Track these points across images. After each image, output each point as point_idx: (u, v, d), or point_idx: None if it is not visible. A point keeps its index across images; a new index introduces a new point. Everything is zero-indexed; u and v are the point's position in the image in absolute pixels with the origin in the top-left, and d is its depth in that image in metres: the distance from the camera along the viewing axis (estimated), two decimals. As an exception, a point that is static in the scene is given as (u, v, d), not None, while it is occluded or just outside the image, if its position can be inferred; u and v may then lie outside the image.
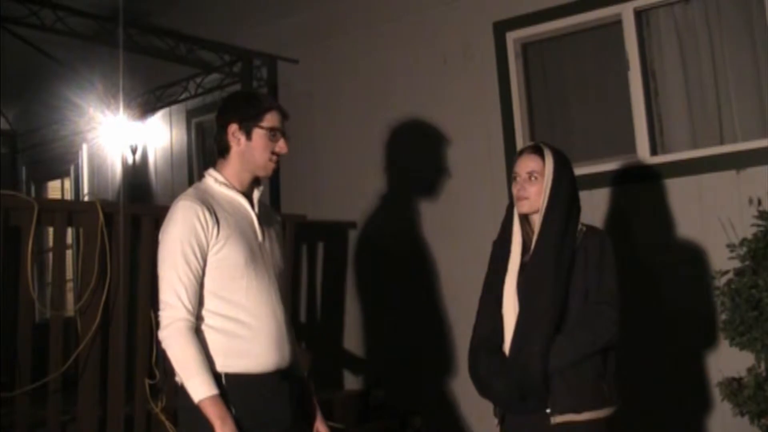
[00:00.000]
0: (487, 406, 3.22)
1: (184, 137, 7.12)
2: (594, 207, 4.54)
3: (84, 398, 3.61)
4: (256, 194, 2.83)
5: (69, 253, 4.49)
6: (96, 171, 8.19)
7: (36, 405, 3.54)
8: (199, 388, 2.53)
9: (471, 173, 5.15)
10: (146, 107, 7.14)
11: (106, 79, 6.61)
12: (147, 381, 3.81)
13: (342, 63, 5.78)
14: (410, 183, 5.38)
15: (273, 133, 2.78)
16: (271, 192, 5.78)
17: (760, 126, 4.41)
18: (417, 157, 5.36)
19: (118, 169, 7.72)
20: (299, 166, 5.67)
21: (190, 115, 7.06)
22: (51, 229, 4.01)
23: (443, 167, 5.24)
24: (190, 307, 2.59)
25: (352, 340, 5.57)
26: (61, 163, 8.68)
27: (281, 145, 2.79)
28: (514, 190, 3.12)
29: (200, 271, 2.62)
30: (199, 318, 2.62)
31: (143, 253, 3.95)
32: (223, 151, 2.79)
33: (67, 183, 8.93)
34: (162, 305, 2.60)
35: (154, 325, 3.78)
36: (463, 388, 4.15)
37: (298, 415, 2.78)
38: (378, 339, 5.44)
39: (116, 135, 7.36)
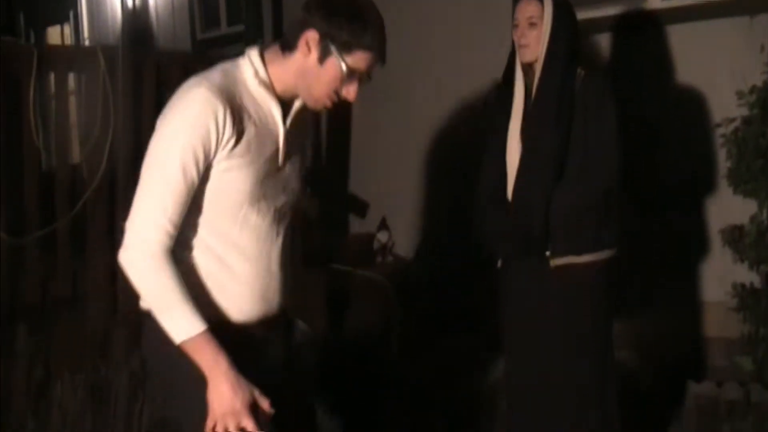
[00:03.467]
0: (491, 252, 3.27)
1: (185, -20, 6.95)
2: (597, 52, 4.46)
3: (93, 245, 3.67)
4: (296, 104, 2.17)
5: (72, 99, 4.45)
6: (95, 16, 8.04)
7: (46, 254, 3.60)
8: (185, 324, 1.97)
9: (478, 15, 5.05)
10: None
11: None
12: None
13: None
14: (415, 21, 5.26)
15: (353, 74, 2.09)
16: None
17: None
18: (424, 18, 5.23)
19: (118, 14, 7.57)
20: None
21: (190, -45, 6.87)
22: (52, 76, 3.96)
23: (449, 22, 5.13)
24: (172, 230, 2.00)
25: (358, 184, 5.60)
26: (60, 8, 8.51)
27: (351, 91, 2.12)
28: (515, 38, 3.08)
29: (194, 189, 2.02)
30: (180, 247, 2.05)
31: (146, 98, 3.92)
32: (287, 46, 2.09)
33: (67, 29, 8.78)
34: (138, 218, 2.01)
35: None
36: (470, 235, 4.19)
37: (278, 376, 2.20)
38: (384, 183, 5.47)
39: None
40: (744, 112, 3.79)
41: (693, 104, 4.37)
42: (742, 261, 3.95)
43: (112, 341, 3.15)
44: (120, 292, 3.73)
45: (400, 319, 4.59)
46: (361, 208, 5.57)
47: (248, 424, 1.99)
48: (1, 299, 3.41)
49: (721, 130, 3.95)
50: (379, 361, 4.31)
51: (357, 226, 5.61)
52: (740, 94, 3.79)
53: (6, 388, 2.90)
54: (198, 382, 1.99)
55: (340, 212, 5.63)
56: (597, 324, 3.11)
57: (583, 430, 3.10)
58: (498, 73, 3.24)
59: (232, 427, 1.98)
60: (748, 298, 4.04)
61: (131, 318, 3.50)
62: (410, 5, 5.24)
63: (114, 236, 3.71)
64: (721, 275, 4.31)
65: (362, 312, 4.59)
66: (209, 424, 1.99)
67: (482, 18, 5.01)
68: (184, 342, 1.97)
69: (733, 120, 3.81)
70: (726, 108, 4.02)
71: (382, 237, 5.19)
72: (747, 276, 4.00)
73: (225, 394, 1.98)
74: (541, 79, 3.03)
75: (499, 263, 3.24)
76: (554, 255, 3.04)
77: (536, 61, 3.05)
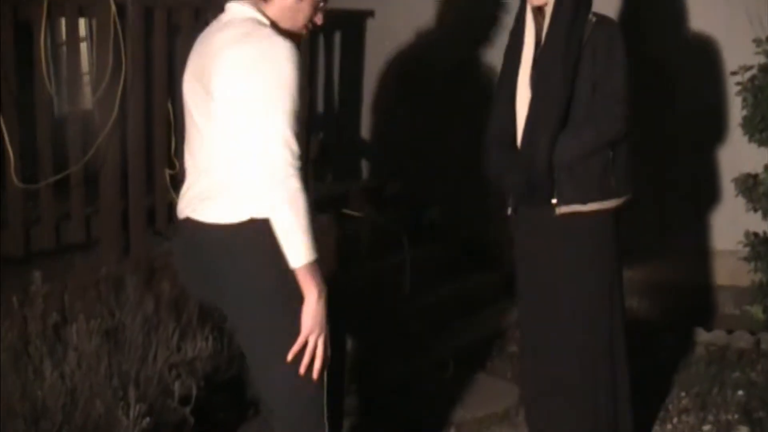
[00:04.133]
0: (502, 198, 3.28)
1: None
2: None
3: (106, 191, 3.68)
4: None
5: (83, 46, 4.43)
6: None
7: (60, 199, 3.62)
8: (312, 247, 2.22)
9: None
10: None
11: None
12: (167, 171, 3.87)
13: None
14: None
15: (322, 2, 2.42)
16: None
17: None
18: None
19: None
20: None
21: None
22: (63, 22, 3.94)
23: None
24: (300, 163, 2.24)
25: (369, 132, 5.59)
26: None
27: (320, 18, 2.45)
28: None
29: None
30: None
31: (157, 43, 3.90)
32: None
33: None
34: (289, 146, 2.20)
35: (171, 118, 3.79)
36: (479, 181, 4.19)
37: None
38: (395, 131, 5.45)
39: None
40: (761, 60, 3.76)
41: (709, 51, 4.33)
42: (755, 210, 3.95)
43: (126, 286, 3.18)
44: (133, 237, 3.75)
45: (412, 261, 4.62)
46: (373, 154, 5.56)
47: (325, 343, 2.27)
48: (15, 245, 3.44)
49: (736, 78, 3.92)
50: (391, 302, 4.35)
51: (369, 173, 5.62)
52: (757, 42, 3.76)
53: (23, 332, 2.93)
54: (298, 300, 2.24)
55: (352, 159, 5.63)
56: (604, 272, 3.12)
57: (593, 377, 3.12)
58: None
59: (319, 342, 2.25)
60: (759, 247, 4.04)
61: (144, 263, 3.54)
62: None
63: (126, 181, 3.73)
64: (733, 224, 4.31)
65: (374, 256, 4.62)
66: (302, 338, 2.24)
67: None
68: (308, 263, 2.22)
69: (749, 68, 3.78)
70: (742, 56, 3.98)
71: (394, 183, 5.19)
72: (759, 225, 4.00)
73: (321, 313, 2.24)
74: (550, 24, 3.01)
75: (509, 210, 3.25)
76: (560, 203, 3.04)
77: (547, 5, 3.01)
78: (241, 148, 2.26)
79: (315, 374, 2.28)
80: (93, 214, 3.72)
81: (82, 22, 4.02)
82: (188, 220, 2.39)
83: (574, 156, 3.00)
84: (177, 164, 3.74)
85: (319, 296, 2.25)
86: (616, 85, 3.00)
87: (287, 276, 2.24)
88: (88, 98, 4.00)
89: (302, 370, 2.26)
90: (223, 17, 2.42)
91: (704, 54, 4.32)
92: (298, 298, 2.25)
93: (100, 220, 3.70)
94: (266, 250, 2.23)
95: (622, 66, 3.01)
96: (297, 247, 2.21)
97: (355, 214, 4.68)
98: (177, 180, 3.86)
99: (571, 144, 3.00)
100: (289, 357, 2.26)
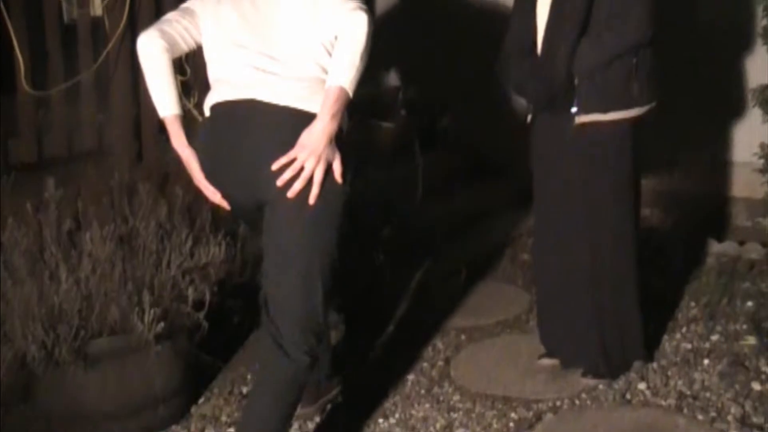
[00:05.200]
0: (519, 105, 3.25)
1: None
2: None
3: (117, 96, 3.67)
4: None
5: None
6: None
7: (72, 106, 3.61)
8: (354, 81, 2.42)
9: None
10: None
11: None
12: (178, 77, 3.83)
13: None
14: None
15: None
16: None
17: None
18: None
19: None
20: None
21: None
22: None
23: None
24: None
25: (383, 36, 5.51)
26: None
27: None
28: None
29: None
30: None
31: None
32: None
33: None
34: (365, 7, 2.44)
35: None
36: (492, 89, 4.15)
37: None
38: (410, 36, 5.38)
39: None
40: (781, -33, 3.65)
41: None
42: (771, 121, 3.90)
43: (139, 192, 3.19)
44: (145, 144, 3.75)
45: (424, 169, 4.61)
46: (387, 62, 5.50)
47: (320, 176, 2.37)
48: (28, 151, 3.45)
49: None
50: (403, 209, 4.36)
51: (382, 80, 5.56)
52: (779, -53, 3.65)
53: (38, 237, 2.96)
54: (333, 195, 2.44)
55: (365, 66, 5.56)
56: (621, 180, 3.10)
57: (602, 281, 3.15)
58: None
59: (307, 164, 2.35)
60: (774, 159, 4.01)
61: (156, 169, 3.55)
62: None
63: (138, 88, 3.71)
64: (749, 135, 4.27)
65: (386, 163, 4.61)
66: (293, 152, 2.36)
67: None
68: (345, 87, 2.38)
69: (769, -24, 3.68)
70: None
71: (408, 91, 5.15)
72: (775, 137, 3.96)
73: (319, 141, 2.36)
74: None
75: (528, 118, 3.23)
76: (580, 112, 3.00)
77: None
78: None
79: (311, 198, 2.38)
80: (105, 121, 3.72)
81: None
82: (246, 102, 2.45)
83: (595, 62, 2.95)
84: (188, 70, 3.71)
85: (328, 124, 2.35)
86: None
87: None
88: (98, 3, 3.95)
89: (295, 187, 2.37)
90: None
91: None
92: (334, 194, 2.42)
93: (112, 127, 3.70)
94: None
95: None
96: (348, 69, 2.37)
97: (369, 120, 4.65)
98: (188, 86, 3.84)
99: (593, 49, 2.94)
100: (274, 166, 2.36)
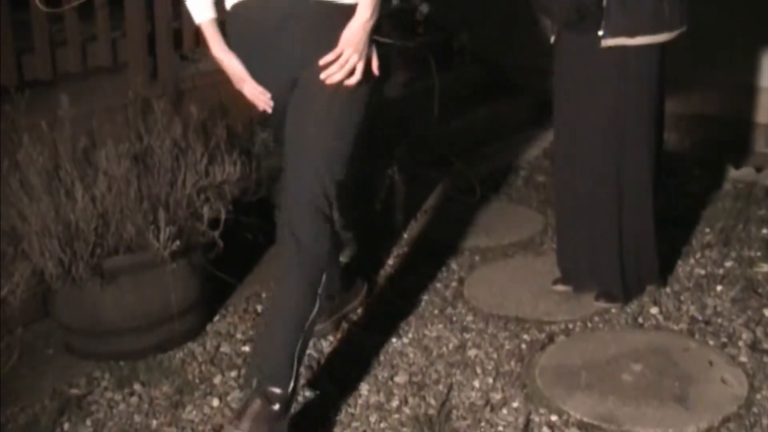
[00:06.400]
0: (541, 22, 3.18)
1: None
2: None
3: (131, 13, 3.62)
4: None
5: None
6: None
7: (86, 23, 3.57)
8: None
9: None
10: None
11: None
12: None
13: None
14: None
15: None
16: None
17: None
18: None
19: None
20: None
21: None
22: None
23: None
24: None
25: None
26: None
27: None
28: None
29: None
30: None
31: None
32: None
33: None
34: None
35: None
36: (511, 5, 4.06)
37: None
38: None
39: None
40: None
41: None
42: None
43: (154, 110, 3.17)
44: (160, 60, 3.72)
45: (441, 87, 4.57)
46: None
47: (361, 69, 2.45)
48: (42, 68, 3.42)
49: None
50: (420, 126, 4.34)
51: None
52: None
53: (53, 155, 2.96)
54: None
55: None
56: (645, 104, 3.05)
57: (620, 202, 3.13)
58: None
59: (351, 59, 2.42)
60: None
61: (171, 87, 3.53)
62: None
63: (152, 4, 3.66)
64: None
65: (402, 80, 4.57)
66: (338, 49, 2.42)
67: None
68: None
69: None
70: None
71: (424, 8, 5.07)
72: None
73: (361, 36, 2.42)
74: None
75: (552, 38, 3.16)
76: (606, 35, 2.93)
77: None
78: None
79: (351, 81, 2.44)
80: (119, 38, 3.68)
81: None
82: None
83: None
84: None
85: (368, 20, 2.41)
86: None
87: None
88: None
89: (335, 78, 2.43)
90: None
91: None
92: (363, 89, 2.51)
93: (127, 43, 3.66)
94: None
95: None
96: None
97: (386, 40, 4.59)
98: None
99: None
100: (321, 62, 2.42)
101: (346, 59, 2.43)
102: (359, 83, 2.48)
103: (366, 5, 2.41)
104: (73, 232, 2.85)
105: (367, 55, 2.47)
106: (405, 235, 3.93)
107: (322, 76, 2.44)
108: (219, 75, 2.73)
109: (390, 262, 3.71)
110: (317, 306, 2.54)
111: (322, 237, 2.55)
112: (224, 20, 2.59)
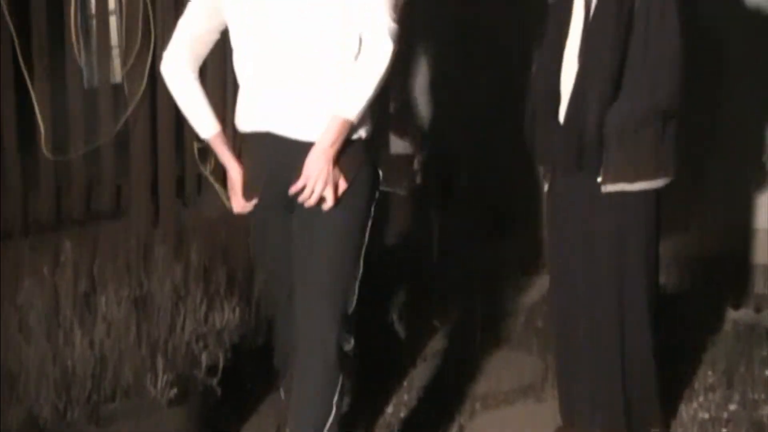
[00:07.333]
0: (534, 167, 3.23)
1: None
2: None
3: (135, 161, 3.71)
4: None
5: (113, 20, 4.47)
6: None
7: (90, 168, 3.65)
8: (359, 113, 2.47)
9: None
10: None
11: None
12: (195, 144, 3.88)
13: None
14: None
15: None
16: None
17: None
18: None
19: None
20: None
21: None
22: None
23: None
24: None
25: (398, 102, 5.56)
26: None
27: None
28: None
29: None
30: None
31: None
32: None
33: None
34: (395, 37, 2.44)
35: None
36: (509, 151, 4.16)
37: None
38: (423, 102, 5.43)
39: None
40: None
41: (758, 29, 4.23)
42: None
43: (155, 255, 3.21)
44: (162, 206, 3.78)
45: (440, 230, 4.62)
46: (401, 128, 5.54)
47: (330, 195, 2.46)
48: (46, 212, 3.48)
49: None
50: (418, 270, 4.35)
51: (397, 147, 5.59)
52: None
53: (53, 298, 2.97)
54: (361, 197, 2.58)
55: (381, 133, 5.61)
56: (642, 249, 3.06)
57: (621, 349, 3.10)
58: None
59: (317, 187, 2.44)
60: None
61: (172, 232, 3.57)
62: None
63: (155, 152, 3.76)
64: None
65: (402, 226, 4.62)
66: (301, 182, 2.45)
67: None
68: (350, 120, 2.43)
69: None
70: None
71: (421, 156, 5.18)
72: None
73: (323, 163, 2.44)
74: None
75: (546, 186, 3.20)
76: (606, 180, 2.95)
77: None
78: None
79: (325, 207, 2.46)
80: (123, 183, 3.76)
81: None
82: (269, 136, 2.53)
83: (624, 127, 2.90)
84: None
85: (327, 150, 2.42)
86: (671, 51, 2.89)
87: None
88: (118, 70, 4.03)
89: (309, 203, 2.46)
90: None
91: (760, 30, 4.20)
92: (361, 196, 2.54)
93: (130, 189, 3.74)
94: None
95: (677, 31, 2.89)
96: (359, 101, 2.42)
97: (384, 188, 4.67)
98: (205, 152, 3.89)
99: (623, 114, 2.90)
100: (291, 191, 2.47)
101: (311, 188, 2.45)
102: (349, 214, 2.52)
103: (328, 136, 2.43)
104: (69, 377, 2.82)
105: (335, 179, 2.48)
106: (405, 383, 3.87)
107: (299, 199, 2.48)
108: (219, 220, 2.78)
109: (389, 410, 3.64)
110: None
111: (335, 347, 2.57)
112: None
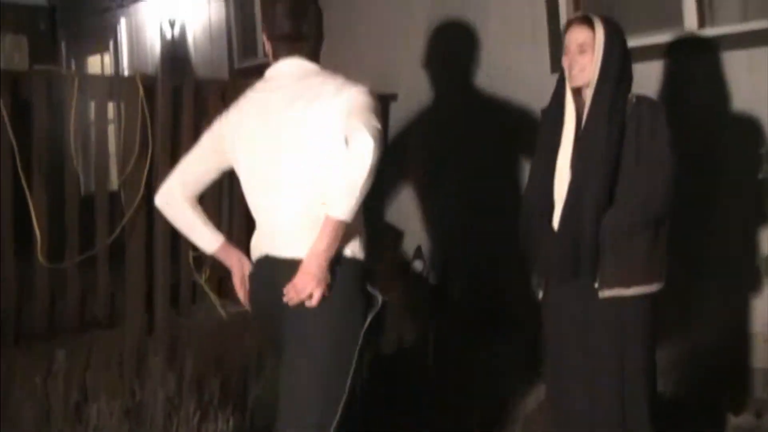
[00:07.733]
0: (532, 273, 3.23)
1: (223, 11, 7.03)
2: (642, 80, 4.44)
3: (131, 269, 3.71)
4: None
5: (111, 128, 4.53)
6: (135, 46, 8.18)
7: (86, 276, 3.65)
8: (351, 213, 2.47)
9: (514, 44, 5.06)
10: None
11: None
12: (191, 252, 3.89)
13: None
14: (452, 56, 5.29)
15: None
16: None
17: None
18: (458, 30, 5.25)
19: (157, 44, 7.69)
20: (335, 33, 5.60)
21: (227, -13, 6.96)
22: (92, 104, 4.03)
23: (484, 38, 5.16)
24: None
25: (393, 212, 5.60)
26: (101, 39, 8.67)
27: None
28: (565, 64, 3.02)
29: None
30: None
31: (184, 126, 3.97)
32: (320, 39, 2.78)
33: (107, 58, 8.94)
34: (377, 135, 2.41)
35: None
36: (503, 260, 4.17)
37: None
38: (419, 211, 5.47)
39: (155, 9, 7.30)
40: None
41: (746, 135, 4.30)
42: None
43: (148, 364, 3.17)
44: (156, 315, 3.76)
45: (435, 333, 4.58)
46: (395, 237, 5.57)
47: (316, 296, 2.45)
48: (39, 321, 3.45)
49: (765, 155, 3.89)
50: (414, 375, 4.29)
51: (393, 250, 5.61)
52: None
53: (44, 409, 2.92)
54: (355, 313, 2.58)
55: (375, 241, 5.62)
56: (640, 356, 3.04)
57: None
58: (534, 101, 3.23)
59: (303, 294, 2.44)
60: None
61: (166, 341, 3.54)
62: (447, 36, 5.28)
63: (151, 260, 3.75)
64: (766, 305, 4.25)
65: (397, 331, 4.59)
66: (296, 279, 2.44)
67: (519, 43, 5.04)
68: (343, 221, 2.43)
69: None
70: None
71: (418, 266, 5.19)
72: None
73: (319, 269, 2.44)
74: (592, 104, 2.97)
75: (540, 294, 3.19)
76: (602, 286, 2.95)
77: (587, 86, 2.99)
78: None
79: (313, 302, 2.44)
80: (117, 292, 3.74)
81: (110, 104, 4.11)
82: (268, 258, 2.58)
83: (619, 234, 2.92)
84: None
85: (324, 251, 2.43)
86: (661, 164, 2.94)
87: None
88: (114, 179, 4.06)
89: (293, 301, 2.45)
90: (281, 76, 2.63)
91: (743, 137, 4.27)
92: (355, 312, 2.55)
93: (125, 298, 3.72)
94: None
95: (668, 141, 2.95)
96: (348, 199, 2.41)
97: (380, 297, 4.66)
98: (200, 261, 3.89)
99: (617, 222, 2.93)
100: (285, 299, 2.45)
101: (303, 287, 2.44)
102: (344, 321, 2.52)
103: (322, 238, 2.43)
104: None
105: (327, 281, 2.48)
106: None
107: (285, 299, 2.47)
108: (214, 328, 2.76)
109: None
110: None
111: None
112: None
